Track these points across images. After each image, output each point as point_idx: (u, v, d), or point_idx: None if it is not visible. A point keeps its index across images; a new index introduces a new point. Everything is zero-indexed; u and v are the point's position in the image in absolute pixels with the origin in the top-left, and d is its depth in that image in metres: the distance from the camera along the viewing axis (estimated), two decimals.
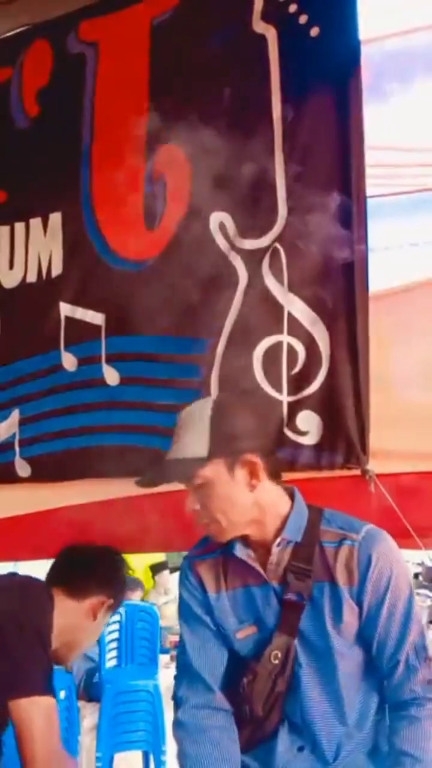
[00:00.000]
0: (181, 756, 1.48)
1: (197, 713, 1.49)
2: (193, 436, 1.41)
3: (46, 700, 1.59)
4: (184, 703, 1.51)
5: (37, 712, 1.56)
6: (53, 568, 1.87)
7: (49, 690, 1.62)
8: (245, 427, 1.46)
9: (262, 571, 1.47)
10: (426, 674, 1.40)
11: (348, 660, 1.45)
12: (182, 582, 1.58)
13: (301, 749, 1.47)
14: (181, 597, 1.57)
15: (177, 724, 1.51)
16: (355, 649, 1.45)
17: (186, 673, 1.53)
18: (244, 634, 1.49)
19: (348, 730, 1.46)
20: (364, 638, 1.45)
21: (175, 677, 1.57)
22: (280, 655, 1.43)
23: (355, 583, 1.41)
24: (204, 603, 1.52)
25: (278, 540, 1.45)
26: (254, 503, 1.44)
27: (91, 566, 1.85)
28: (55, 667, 1.80)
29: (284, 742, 1.47)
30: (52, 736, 1.59)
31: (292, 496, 1.50)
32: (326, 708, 1.45)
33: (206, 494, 1.41)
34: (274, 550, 1.45)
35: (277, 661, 1.44)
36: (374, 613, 1.42)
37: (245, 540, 1.48)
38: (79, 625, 1.81)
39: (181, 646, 1.57)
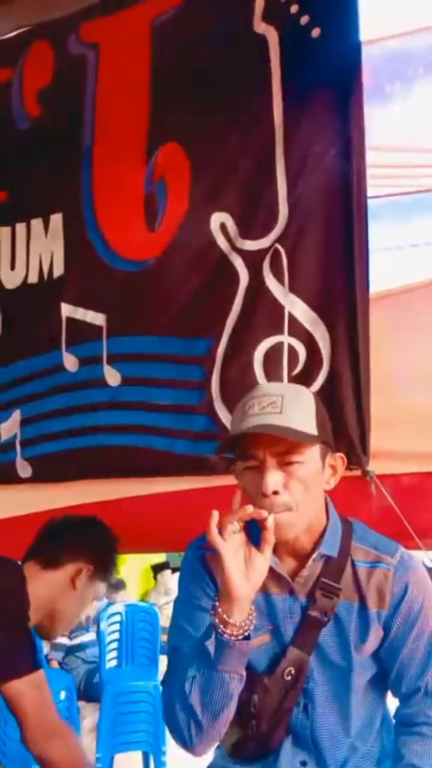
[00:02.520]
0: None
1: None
2: (301, 412, 1.30)
3: (33, 677, 1.62)
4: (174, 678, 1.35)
5: (27, 690, 1.61)
6: (30, 545, 1.85)
7: (35, 665, 1.65)
8: (332, 427, 1.41)
9: (292, 583, 1.39)
10: None
11: (361, 676, 1.42)
12: (189, 575, 1.45)
13: (303, 764, 1.43)
14: (186, 590, 1.45)
15: (165, 693, 1.37)
16: (368, 665, 1.42)
17: (182, 667, 1.35)
18: (257, 643, 1.37)
19: (352, 742, 1.44)
20: (381, 658, 1.43)
21: (168, 668, 1.42)
22: (293, 671, 1.38)
23: (385, 608, 1.37)
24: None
25: (315, 554, 1.37)
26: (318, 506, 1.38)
27: (63, 535, 1.82)
28: (57, 668, 1.81)
29: (287, 756, 1.42)
30: (44, 708, 1.64)
31: (326, 507, 1.42)
32: (334, 723, 1.42)
33: (297, 477, 1.28)
34: (309, 563, 1.38)
35: (289, 678, 1.38)
36: (400, 640, 1.39)
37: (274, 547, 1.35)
38: (59, 596, 1.79)
39: (179, 636, 1.41)
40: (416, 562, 1.43)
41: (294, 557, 1.40)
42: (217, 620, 1.24)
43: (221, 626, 1.23)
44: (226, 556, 1.23)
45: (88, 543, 1.83)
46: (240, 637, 1.24)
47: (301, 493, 1.29)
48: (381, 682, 1.46)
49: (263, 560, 1.24)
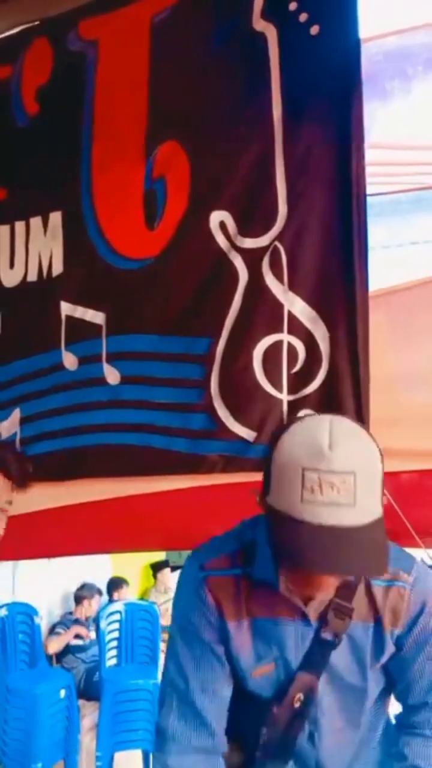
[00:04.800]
0: None
1: (197, 759, 1.33)
2: (374, 495, 1.14)
3: None
4: (177, 741, 1.33)
5: None
6: None
7: None
8: None
9: (305, 609, 1.31)
10: None
11: (373, 693, 1.39)
12: (190, 601, 1.34)
13: None
14: (183, 611, 1.36)
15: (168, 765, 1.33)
16: (379, 679, 1.40)
17: (183, 704, 1.34)
18: (260, 673, 1.33)
19: (357, 749, 1.42)
20: (390, 671, 1.39)
21: (163, 703, 1.37)
22: (302, 697, 1.31)
23: (399, 626, 1.32)
24: (220, 627, 1.32)
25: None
26: None
27: None
28: (55, 665, 1.80)
29: None
30: None
31: None
32: (341, 746, 1.38)
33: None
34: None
35: (299, 704, 1.31)
36: (412, 657, 1.35)
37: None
38: None
39: (176, 669, 1.35)
40: (430, 574, 1.36)
41: None
42: None
43: None
44: None
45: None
46: None
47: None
48: (387, 690, 1.44)
49: None
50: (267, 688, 1.34)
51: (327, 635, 1.30)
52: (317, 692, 1.33)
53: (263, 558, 1.29)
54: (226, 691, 1.35)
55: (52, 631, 5.22)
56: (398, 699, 1.45)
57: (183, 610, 1.37)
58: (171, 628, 1.40)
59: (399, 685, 1.40)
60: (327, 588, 1.21)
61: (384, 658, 1.35)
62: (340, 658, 1.32)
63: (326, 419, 1.17)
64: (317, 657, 1.31)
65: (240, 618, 1.31)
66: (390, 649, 1.34)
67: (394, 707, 1.49)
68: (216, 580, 1.32)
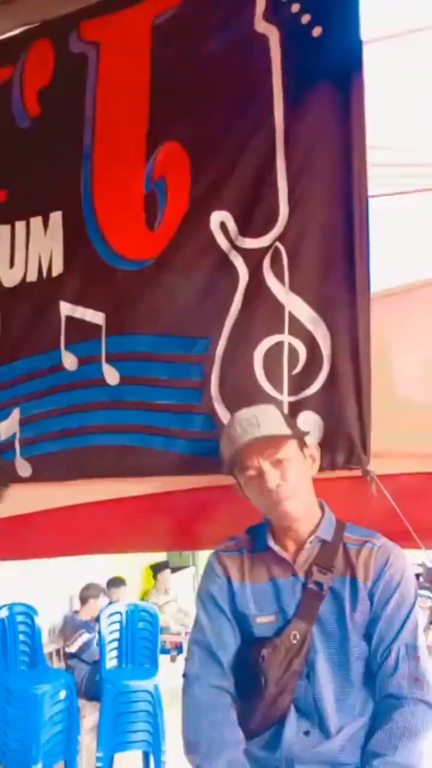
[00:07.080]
0: (194, 730, 1.58)
1: (213, 692, 1.62)
2: (273, 423, 1.62)
3: None
4: (199, 679, 1.64)
5: None
6: None
7: None
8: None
9: (292, 563, 1.63)
10: (412, 670, 1.55)
11: (357, 652, 1.59)
12: (207, 573, 1.72)
13: (306, 734, 1.58)
14: (204, 586, 1.72)
15: (191, 697, 1.62)
16: (362, 643, 1.59)
17: (203, 652, 1.66)
18: (263, 620, 1.63)
19: (354, 711, 1.57)
20: (368, 634, 1.59)
21: (188, 657, 1.69)
22: (298, 635, 1.58)
23: (370, 579, 1.59)
24: (228, 589, 1.67)
25: (312, 537, 1.63)
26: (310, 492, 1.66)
27: None
28: (55, 666, 1.83)
29: (292, 726, 1.58)
30: None
31: (321, 507, 1.69)
32: (335, 688, 1.58)
33: (288, 470, 1.59)
34: (307, 546, 1.63)
35: (295, 641, 1.58)
36: (381, 609, 1.58)
37: (274, 537, 1.66)
38: None
39: (198, 629, 1.69)
40: (398, 546, 1.66)
41: (295, 543, 1.66)
42: None
43: None
44: None
45: None
46: None
47: (295, 481, 1.60)
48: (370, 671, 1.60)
49: None
50: (268, 631, 1.62)
51: (312, 586, 1.61)
52: (311, 637, 1.59)
53: (261, 535, 1.68)
54: (233, 640, 1.66)
55: (71, 629, 5.17)
56: (372, 664, 1.58)
57: (203, 584, 1.73)
58: (196, 604, 1.76)
59: (373, 642, 1.58)
60: (270, 475, 1.58)
61: (359, 610, 1.58)
62: (325, 607, 1.60)
63: None
64: (307, 605, 1.60)
65: (243, 579, 1.67)
66: (365, 603, 1.59)
67: None
68: (225, 555, 1.71)
